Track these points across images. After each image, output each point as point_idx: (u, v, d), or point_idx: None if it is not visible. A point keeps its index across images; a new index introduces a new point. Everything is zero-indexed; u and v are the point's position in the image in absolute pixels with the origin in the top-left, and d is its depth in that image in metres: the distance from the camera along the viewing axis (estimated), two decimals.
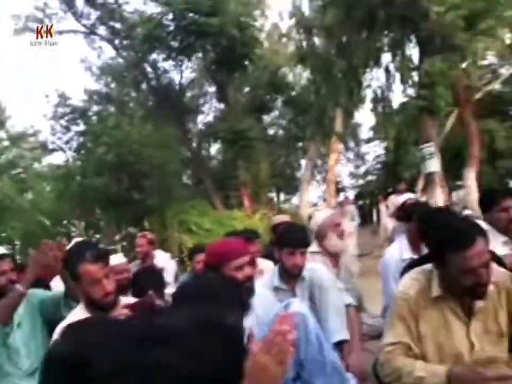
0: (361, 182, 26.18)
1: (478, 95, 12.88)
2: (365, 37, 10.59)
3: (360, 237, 10.10)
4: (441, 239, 1.87)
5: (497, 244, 2.71)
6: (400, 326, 1.92)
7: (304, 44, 12.92)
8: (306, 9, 13.15)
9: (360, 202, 21.76)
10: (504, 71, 15.66)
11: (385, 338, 1.98)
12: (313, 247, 3.15)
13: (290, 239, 2.63)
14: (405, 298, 1.94)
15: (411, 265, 2.33)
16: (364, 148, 25.71)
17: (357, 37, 10.75)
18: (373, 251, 9.51)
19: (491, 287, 1.86)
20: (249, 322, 1.87)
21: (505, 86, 16.82)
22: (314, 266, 2.71)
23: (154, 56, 13.56)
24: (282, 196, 25.17)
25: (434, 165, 9.65)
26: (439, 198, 9.44)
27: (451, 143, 13.09)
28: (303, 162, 18.06)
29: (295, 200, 21.36)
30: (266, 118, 18.47)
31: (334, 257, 3.18)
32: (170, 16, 11.75)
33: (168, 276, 4.26)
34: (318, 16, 11.76)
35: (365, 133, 24.61)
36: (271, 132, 19.82)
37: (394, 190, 10.41)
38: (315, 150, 15.20)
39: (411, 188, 12.75)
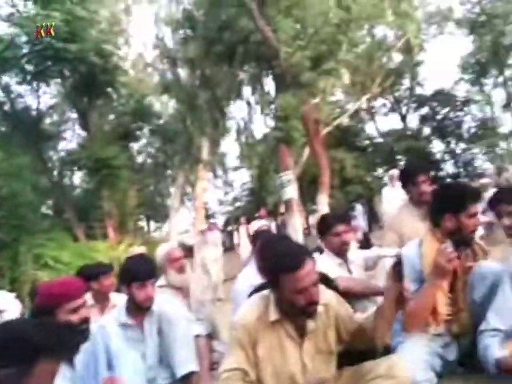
0: (230, 208, 26.81)
1: (328, 128, 14.18)
2: (226, 71, 11.06)
3: (226, 263, 10.31)
4: (273, 264, 1.98)
5: (333, 265, 2.96)
6: (238, 352, 1.97)
7: (169, 74, 13.06)
8: (169, 40, 13.38)
9: (230, 228, 22.21)
10: (351, 107, 17.64)
11: (223, 364, 2.02)
12: (161, 280, 3.14)
13: (140, 272, 2.57)
14: (243, 325, 2.00)
15: (255, 290, 2.38)
16: (232, 175, 26.45)
17: (219, 70, 11.19)
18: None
19: (320, 308, 2.00)
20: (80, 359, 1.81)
21: (352, 120, 18.95)
22: (163, 299, 2.68)
23: (6, 79, 12.55)
24: (152, 224, 24.68)
25: (291, 192, 10.25)
26: (296, 222, 10.04)
27: (307, 171, 14.09)
28: (172, 190, 17.96)
29: (166, 227, 21.04)
30: (134, 146, 18.08)
31: (182, 289, 3.19)
32: (24, 38, 11.01)
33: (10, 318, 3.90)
34: (181, 49, 12.00)
35: (231, 161, 25.36)
36: (139, 159, 19.43)
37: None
38: (184, 177, 15.27)
39: (274, 213, 13.44)
